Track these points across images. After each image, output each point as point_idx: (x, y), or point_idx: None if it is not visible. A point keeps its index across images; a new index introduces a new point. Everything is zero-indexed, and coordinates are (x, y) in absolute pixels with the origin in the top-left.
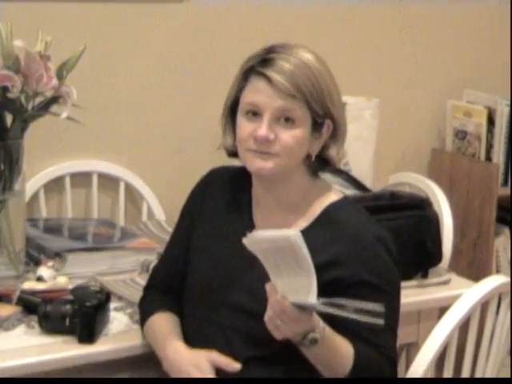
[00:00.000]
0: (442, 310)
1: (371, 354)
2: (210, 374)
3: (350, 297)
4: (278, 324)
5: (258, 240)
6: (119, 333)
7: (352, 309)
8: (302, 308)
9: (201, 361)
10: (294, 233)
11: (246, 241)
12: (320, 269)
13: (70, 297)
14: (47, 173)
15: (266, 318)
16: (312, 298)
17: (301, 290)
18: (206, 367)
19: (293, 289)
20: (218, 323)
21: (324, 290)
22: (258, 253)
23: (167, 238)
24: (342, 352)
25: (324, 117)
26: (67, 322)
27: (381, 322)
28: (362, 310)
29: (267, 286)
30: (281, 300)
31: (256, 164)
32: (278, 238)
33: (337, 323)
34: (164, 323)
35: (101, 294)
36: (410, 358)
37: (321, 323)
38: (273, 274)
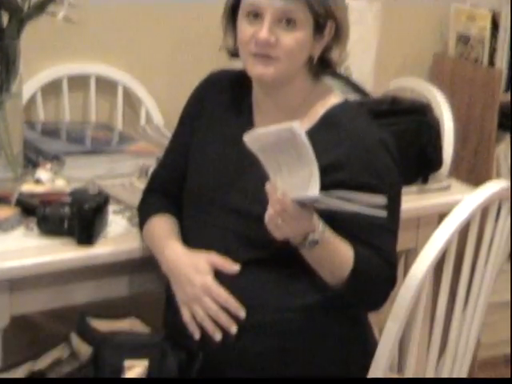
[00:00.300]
0: (442, 217)
1: (371, 256)
2: (209, 276)
3: None
4: (278, 223)
5: (258, 136)
6: (118, 236)
7: (354, 201)
8: (303, 204)
9: (200, 262)
10: (295, 123)
11: (246, 138)
12: (322, 172)
13: (69, 199)
14: (44, 75)
15: (267, 217)
16: (314, 190)
17: (302, 185)
18: (205, 269)
19: (293, 185)
20: (218, 226)
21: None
22: (258, 151)
23: (166, 142)
24: (341, 254)
25: (326, 17)
26: (66, 224)
27: (383, 214)
28: (364, 201)
29: (267, 186)
30: (281, 197)
31: (257, 70)
32: (280, 131)
33: (337, 225)
34: (163, 225)
35: (99, 197)
36: (409, 264)
37: (321, 225)
38: (273, 172)
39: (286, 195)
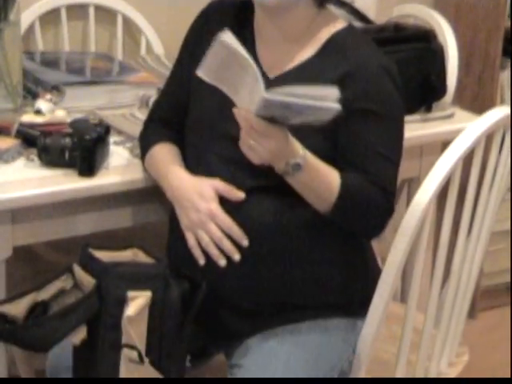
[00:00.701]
0: (445, 145)
1: (363, 183)
2: (214, 202)
3: (350, 124)
4: (251, 144)
5: (206, 65)
6: (119, 166)
7: (305, 96)
8: (268, 118)
9: (205, 188)
10: (223, 34)
11: (199, 73)
12: None
13: (69, 130)
14: (42, 4)
15: (240, 142)
16: (260, 92)
17: (254, 95)
18: (210, 195)
19: (251, 100)
20: (220, 154)
21: None
22: (214, 80)
23: (167, 72)
24: (327, 180)
25: None
26: (67, 155)
27: (337, 107)
28: (315, 95)
29: (234, 111)
30: (245, 114)
31: None
32: (215, 49)
33: (333, 153)
34: (166, 153)
35: (100, 127)
36: (412, 193)
37: (301, 149)
38: (234, 95)
39: (248, 111)
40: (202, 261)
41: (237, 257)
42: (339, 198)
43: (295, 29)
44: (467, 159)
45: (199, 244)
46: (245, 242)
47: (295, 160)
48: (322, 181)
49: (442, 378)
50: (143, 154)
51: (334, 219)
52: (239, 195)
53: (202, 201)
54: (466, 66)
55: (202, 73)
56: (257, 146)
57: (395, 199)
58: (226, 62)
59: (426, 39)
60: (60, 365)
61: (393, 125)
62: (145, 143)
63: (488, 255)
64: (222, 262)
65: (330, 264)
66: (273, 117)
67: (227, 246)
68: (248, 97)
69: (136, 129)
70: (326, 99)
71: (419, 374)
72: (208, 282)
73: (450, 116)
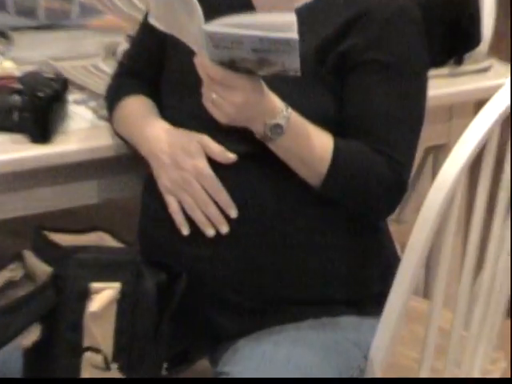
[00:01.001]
0: (479, 105)
1: (362, 148)
2: (201, 159)
3: (358, 77)
4: (214, 99)
5: (153, 10)
6: (81, 131)
7: (257, 24)
8: (227, 65)
9: (191, 142)
10: None
11: (151, 21)
12: (335, 37)
13: (19, 86)
14: None
15: (203, 97)
16: (200, 24)
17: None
18: (197, 150)
19: (202, 42)
20: (203, 117)
21: (334, 65)
22: (166, 27)
23: (138, 16)
24: (317, 143)
25: None
26: (16, 116)
27: (294, 36)
28: (270, 24)
29: (194, 60)
30: (200, 60)
31: None
32: None
33: (337, 117)
34: (140, 104)
35: (56, 83)
36: (440, 163)
37: (285, 109)
38: (189, 42)
39: (203, 56)
40: (185, 230)
41: (224, 228)
42: (331, 167)
43: None
44: (506, 122)
45: (183, 210)
46: (233, 212)
47: (275, 120)
48: (311, 146)
49: (443, 378)
50: (111, 110)
51: (326, 194)
52: (229, 157)
53: (186, 156)
54: (505, 8)
55: (153, 20)
56: (220, 99)
57: (410, 171)
58: (172, 5)
59: None
60: (6, 372)
61: (412, 80)
62: (113, 97)
63: None
64: (210, 232)
65: (337, 250)
66: (233, 61)
67: (214, 213)
68: (199, 39)
69: (101, 84)
70: (281, 29)
71: None
72: (189, 271)
73: (486, 69)
